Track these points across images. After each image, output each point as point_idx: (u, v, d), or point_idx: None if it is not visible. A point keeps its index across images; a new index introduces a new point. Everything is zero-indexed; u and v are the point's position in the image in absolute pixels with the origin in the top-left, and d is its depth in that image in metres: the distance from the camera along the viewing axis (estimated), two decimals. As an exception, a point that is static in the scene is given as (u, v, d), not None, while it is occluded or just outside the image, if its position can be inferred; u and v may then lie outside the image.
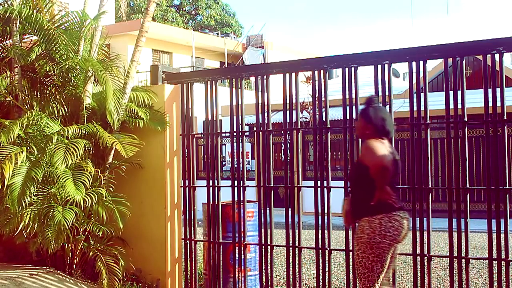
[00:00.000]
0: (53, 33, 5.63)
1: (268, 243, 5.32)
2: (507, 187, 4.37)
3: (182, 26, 32.96)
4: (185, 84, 5.92)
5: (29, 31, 5.87)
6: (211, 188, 5.63)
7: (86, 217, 5.51)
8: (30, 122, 5.34)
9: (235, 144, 5.58)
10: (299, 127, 5.30)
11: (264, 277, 5.34)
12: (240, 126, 5.53)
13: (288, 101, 5.30)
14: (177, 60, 24.27)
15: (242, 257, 5.42)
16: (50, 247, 5.26)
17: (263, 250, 5.34)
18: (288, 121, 5.33)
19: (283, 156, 14.34)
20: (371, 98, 4.00)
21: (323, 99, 5.19)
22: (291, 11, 79.11)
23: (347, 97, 5.02)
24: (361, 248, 3.77)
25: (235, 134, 5.56)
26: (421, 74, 4.79)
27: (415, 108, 4.80)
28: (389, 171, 3.69)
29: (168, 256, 5.73)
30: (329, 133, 5.18)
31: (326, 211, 5.07)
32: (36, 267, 5.72)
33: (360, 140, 4.24)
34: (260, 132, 5.42)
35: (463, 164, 4.55)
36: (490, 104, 4.46)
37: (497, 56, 4.47)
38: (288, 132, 5.41)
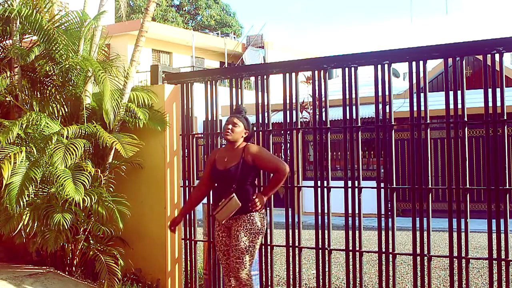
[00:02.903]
0: (53, 33, 5.62)
1: (268, 243, 5.32)
2: (507, 187, 4.37)
3: (182, 26, 32.96)
4: (185, 84, 5.92)
5: (29, 31, 5.86)
6: (211, 188, 5.62)
7: (86, 217, 5.51)
8: (30, 122, 5.34)
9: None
10: (299, 127, 5.30)
11: (264, 277, 5.34)
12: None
13: (288, 101, 5.30)
14: (177, 60, 24.27)
15: (242, 257, 5.41)
16: (49, 247, 5.26)
17: (263, 250, 5.34)
18: (288, 121, 5.33)
19: (283, 156, 14.34)
20: (242, 107, 4.64)
21: (323, 99, 5.19)
22: (291, 11, 79.14)
23: (347, 97, 5.02)
24: (250, 238, 4.30)
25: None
26: (421, 74, 4.79)
27: (415, 108, 4.80)
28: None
29: (168, 256, 5.73)
30: (329, 133, 5.18)
31: (326, 211, 5.07)
32: (36, 267, 5.72)
33: (230, 141, 4.47)
34: (260, 132, 5.42)
35: (463, 164, 4.55)
36: (490, 104, 4.46)
37: (497, 56, 4.47)
38: (288, 132, 5.40)
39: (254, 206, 4.34)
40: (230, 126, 4.40)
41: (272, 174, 4.52)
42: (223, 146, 4.99)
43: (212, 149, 5.66)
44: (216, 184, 4.56)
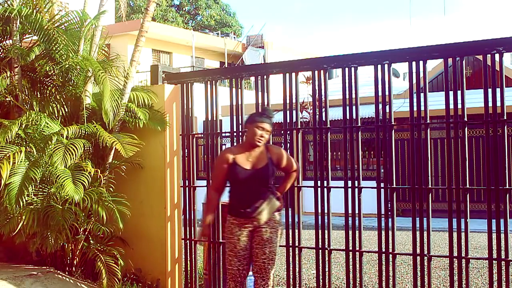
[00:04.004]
0: (53, 33, 5.63)
1: (268, 243, 5.31)
2: (507, 187, 4.37)
3: (182, 26, 32.95)
4: (185, 84, 5.92)
5: (29, 31, 5.87)
6: (211, 188, 5.61)
7: (86, 217, 5.52)
8: (30, 122, 5.34)
9: (235, 144, 5.57)
10: (299, 127, 5.30)
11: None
12: (240, 126, 5.53)
13: (288, 101, 5.30)
14: (177, 60, 24.26)
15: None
16: (49, 247, 5.26)
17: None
18: (288, 121, 5.33)
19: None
20: (270, 110, 4.47)
21: (323, 99, 5.19)
22: (291, 11, 79.16)
23: (347, 97, 5.02)
24: (277, 237, 4.30)
25: (235, 134, 5.55)
26: (421, 74, 4.79)
27: (415, 108, 4.80)
28: None
29: (168, 256, 5.73)
30: (329, 133, 5.18)
31: (326, 211, 5.07)
32: (36, 267, 5.72)
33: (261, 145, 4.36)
34: (260, 132, 5.41)
35: (463, 164, 4.55)
36: (490, 104, 4.46)
37: (497, 56, 4.47)
38: (288, 132, 5.41)
39: (281, 206, 4.37)
40: (264, 134, 4.27)
41: (285, 174, 4.50)
42: (233, 146, 4.91)
43: (212, 149, 5.66)
44: (234, 185, 4.34)
